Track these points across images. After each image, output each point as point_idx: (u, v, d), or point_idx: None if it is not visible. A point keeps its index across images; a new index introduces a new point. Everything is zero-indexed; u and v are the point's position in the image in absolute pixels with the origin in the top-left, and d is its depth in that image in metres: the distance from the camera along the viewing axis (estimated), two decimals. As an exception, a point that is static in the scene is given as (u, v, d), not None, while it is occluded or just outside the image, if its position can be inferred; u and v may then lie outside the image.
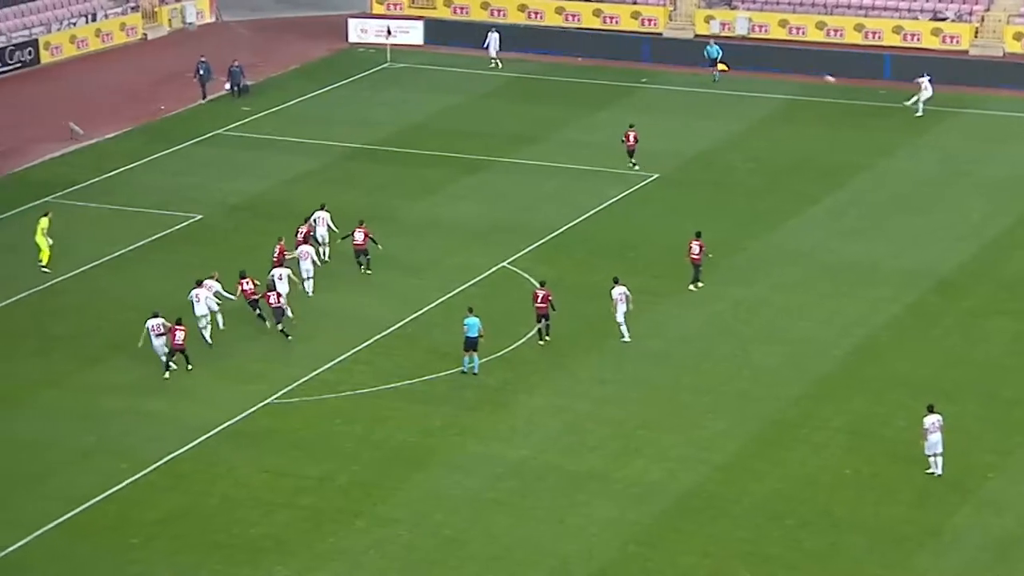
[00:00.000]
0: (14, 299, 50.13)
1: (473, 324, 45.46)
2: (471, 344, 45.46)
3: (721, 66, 73.88)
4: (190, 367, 45.95)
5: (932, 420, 40.47)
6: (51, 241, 51.98)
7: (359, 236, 52.68)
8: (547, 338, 47.98)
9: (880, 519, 38.88)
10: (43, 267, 51.71)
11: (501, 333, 47.84)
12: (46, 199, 58.32)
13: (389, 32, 78.23)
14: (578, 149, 63.82)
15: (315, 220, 53.18)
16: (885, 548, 37.76)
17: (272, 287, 48.33)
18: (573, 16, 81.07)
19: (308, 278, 50.68)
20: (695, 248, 51.67)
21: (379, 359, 46.94)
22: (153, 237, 55.23)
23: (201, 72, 70.03)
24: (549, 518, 39.07)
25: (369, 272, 52.54)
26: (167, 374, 45.44)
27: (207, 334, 47.09)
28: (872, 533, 38.34)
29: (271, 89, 72.65)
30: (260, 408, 44.06)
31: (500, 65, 75.64)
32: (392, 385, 45.34)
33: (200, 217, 57.31)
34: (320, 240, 52.79)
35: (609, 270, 53.09)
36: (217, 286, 47.69)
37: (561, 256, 54.67)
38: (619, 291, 47.96)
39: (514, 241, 55.57)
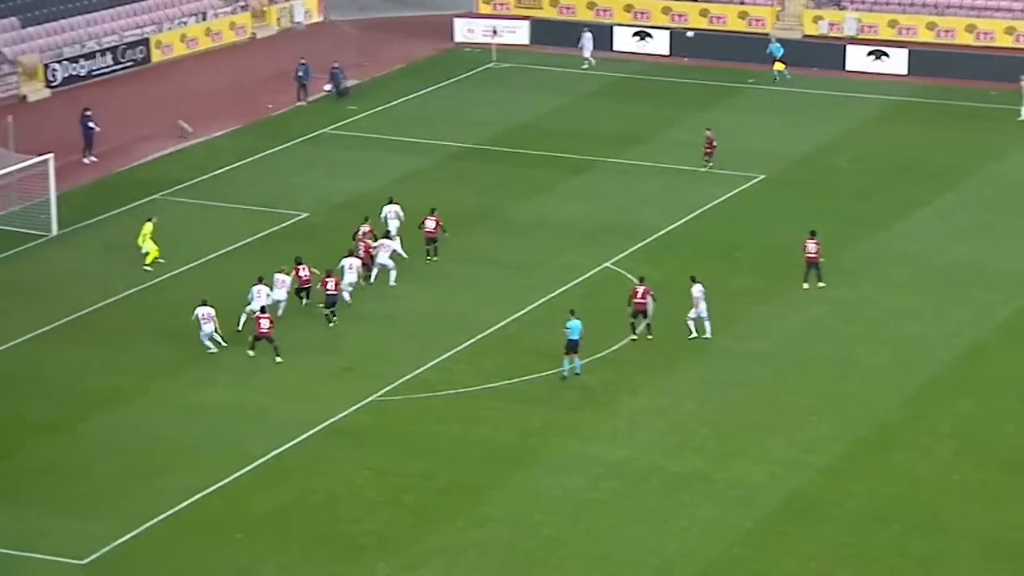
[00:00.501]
0: (123, 295, 50.68)
1: (575, 327, 45.31)
2: (573, 347, 45.30)
3: (778, 64, 73.32)
4: (279, 359, 46.25)
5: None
6: (156, 244, 52.37)
7: (430, 224, 52.79)
8: (649, 337, 47.77)
9: (989, 526, 38.31)
10: (147, 266, 52.22)
11: (603, 334, 47.69)
12: (154, 196, 58.94)
13: (495, 32, 78.35)
14: (683, 149, 63.54)
15: (386, 215, 53.26)
16: (994, 556, 37.20)
17: (329, 274, 48.67)
18: (680, 16, 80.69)
19: (391, 268, 50.83)
20: (811, 247, 51.26)
21: (481, 358, 46.97)
22: (259, 235, 55.63)
23: (300, 74, 70.28)
24: (652, 519, 38.90)
25: (436, 259, 52.60)
26: (252, 352, 46.25)
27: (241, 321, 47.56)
28: (980, 540, 37.80)
29: (377, 88, 72.99)
30: (364, 406, 44.24)
31: (594, 63, 75.50)
32: (493, 385, 45.35)
33: (306, 215, 57.67)
34: (391, 234, 52.72)
35: (714, 270, 52.86)
36: (268, 290, 47.96)
37: (666, 256, 54.44)
38: (698, 289, 47.67)
39: (618, 241, 55.43)
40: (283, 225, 56.47)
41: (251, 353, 46.43)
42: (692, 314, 47.70)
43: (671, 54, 77.58)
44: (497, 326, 49.00)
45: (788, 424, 43.27)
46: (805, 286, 51.11)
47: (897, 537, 38.07)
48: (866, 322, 49.40)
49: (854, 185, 61.25)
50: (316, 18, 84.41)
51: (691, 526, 38.57)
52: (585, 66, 75.79)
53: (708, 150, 61.82)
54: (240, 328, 47.44)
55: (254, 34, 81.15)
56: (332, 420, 43.39)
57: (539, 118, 69.20)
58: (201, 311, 46.31)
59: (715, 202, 59.31)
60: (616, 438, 42.76)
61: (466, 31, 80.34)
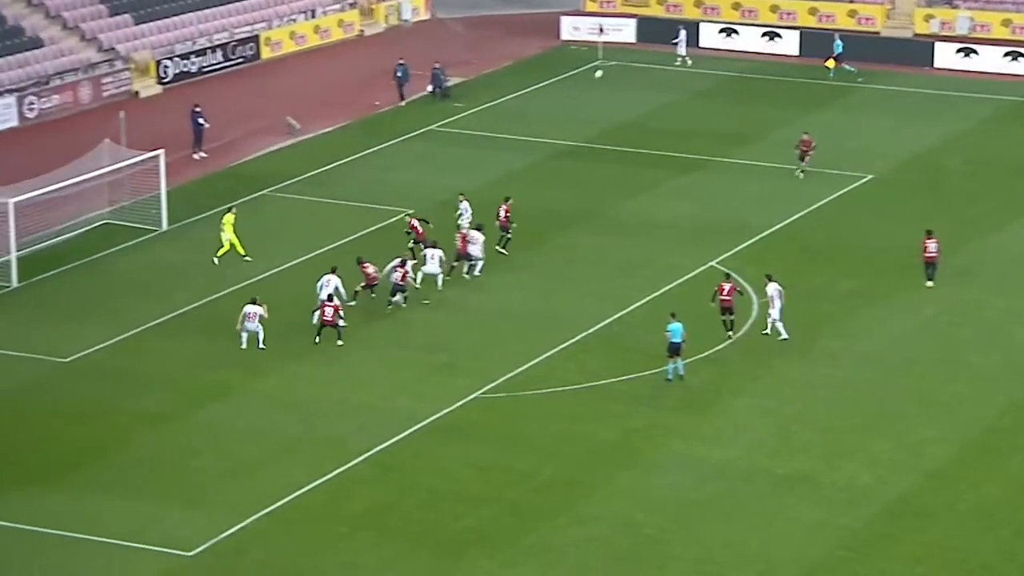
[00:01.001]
0: (230, 290, 51.07)
1: (676, 329, 44.97)
2: (675, 350, 44.98)
3: (830, 62, 72.43)
4: (340, 343, 46.61)
5: None
6: (229, 237, 52.64)
7: (501, 213, 52.86)
8: (730, 333, 47.33)
9: (1099, 533, 37.66)
10: (216, 258, 52.62)
11: (707, 334, 47.39)
12: (262, 192, 59.37)
13: (601, 30, 78.19)
14: (792, 149, 63.00)
15: (462, 210, 53.62)
16: (1104, 563, 36.57)
17: (402, 263, 49.02)
18: (788, 14, 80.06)
19: (479, 260, 51.17)
20: (932, 247, 50.73)
21: (584, 357, 46.86)
22: (365, 231, 55.87)
23: (399, 74, 70.02)
24: (755, 521, 38.59)
25: (505, 253, 52.39)
26: (318, 339, 46.75)
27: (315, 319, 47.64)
28: (1091, 547, 37.17)
29: (483, 86, 73.06)
30: (467, 402, 44.29)
31: (690, 63, 75.12)
32: (596, 383, 45.22)
33: (411, 212, 57.75)
34: (463, 227, 53.06)
35: (820, 272, 52.46)
36: (337, 281, 48.12)
37: (771, 257, 54.01)
38: (773, 287, 47.16)
39: (723, 241, 55.09)
40: (389, 221, 56.66)
41: (316, 340, 46.79)
42: (774, 314, 47.20)
43: (800, 54, 76.76)
44: (600, 325, 48.86)
45: (895, 427, 42.78)
46: (929, 284, 50.58)
47: (1005, 542, 37.50)
48: (976, 324, 48.74)
49: (965, 187, 60.46)
50: (423, 16, 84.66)
51: (795, 528, 38.23)
52: (678, 63, 75.44)
53: (804, 152, 60.51)
54: (315, 321, 47.63)
55: (362, 31, 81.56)
56: (435, 416, 43.47)
57: (645, 116, 68.95)
58: (249, 309, 46.39)
59: (822, 202, 58.78)
60: (720, 439, 42.48)
61: (572, 29, 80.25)
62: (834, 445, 41.88)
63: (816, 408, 43.94)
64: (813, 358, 46.81)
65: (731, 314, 47.45)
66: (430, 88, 70.82)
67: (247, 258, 52.84)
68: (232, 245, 52.77)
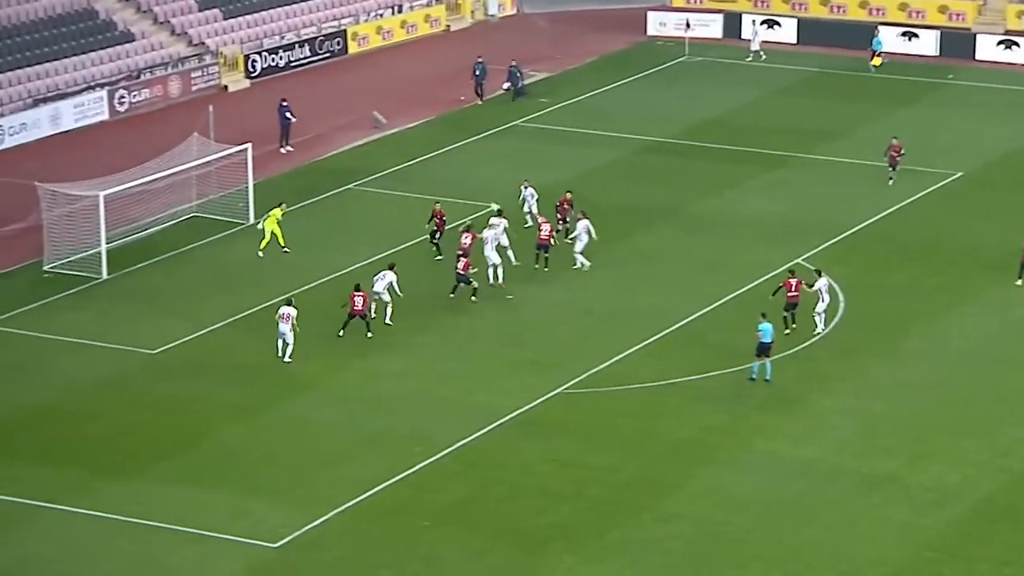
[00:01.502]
0: (314, 284, 51.35)
1: (767, 330, 44.68)
2: (764, 350, 44.69)
3: (876, 59, 71.92)
4: (370, 335, 46.71)
5: None
6: (272, 229, 52.86)
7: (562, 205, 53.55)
8: (793, 326, 47.06)
9: None
10: (260, 252, 52.86)
11: (793, 331, 47.12)
12: (348, 186, 59.64)
13: (688, 25, 77.93)
14: (880, 146, 62.48)
15: (526, 196, 54.37)
16: None
17: (465, 253, 49.35)
18: (878, 10, 79.40)
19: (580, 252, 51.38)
20: None
21: (667, 354, 46.73)
22: (448, 226, 55.93)
23: (477, 72, 69.69)
24: (840, 521, 38.33)
25: (568, 242, 52.52)
26: (342, 333, 46.78)
27: (388, 312, 47.90)
28: None
29: (568, 81, 73.01)
30: (550, 398, 44.29)
31: (764, 56, 74.60)
32: (679, 380, 45.07)
33: (497, 207, 57.77)
34: (528, 211, 54.13)
35: (907, 270, 52.02)
36: (393, 277, 48.16)
37: (856, 255, 53.65)
38: (823, 283, 46.69)
39: (809, 239, 54.75)
40: (473, 216, 56.72)
41: (341, 333, 46.73)
42: (819, 308, 46.77)
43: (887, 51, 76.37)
44: (683, 322, 48.70)
45: (984, 427, 42.35)
46: (1019, 283, 50.09)
47: (1094, 546, 37.06)
48: (1066, 325, 48.18)
49: (1056, 185, 59.77)
50: (510, 11, 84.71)
51: (881, 528, 37.93)
52: (749, 59, 75.02)
53: (895, 159, 59.36)
54: (389, 322, 47.74)
55: (448, 26, 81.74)
56: (518, 412, 43.50)
57: (730, 113, 68.66)
58: (284, 310, 45.80)
59: (910, 200, 58.27)
60: (804, 437, 42.22)
61: (659, 24, 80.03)
62: (921, 445, 41.52)
63: (903, 407, 43.58)
64: (900, 357, 46.43)
65: (795, 309, 47.14)
66: (506, 86, 70.40)
67: (286, 249, 53.00)
68: (273, 235, 52.95)
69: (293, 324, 45.49)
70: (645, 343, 47.32)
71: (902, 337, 47.46)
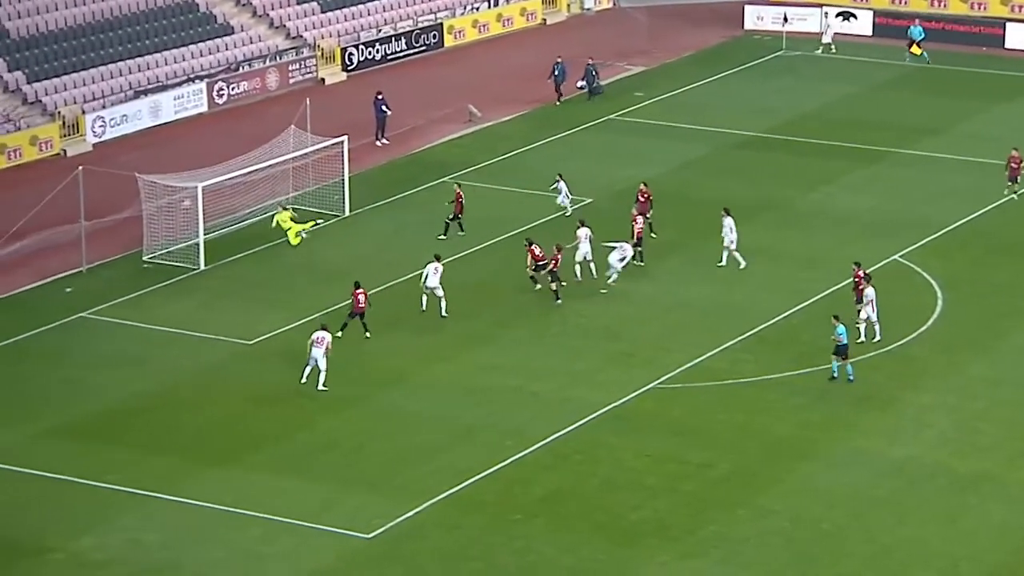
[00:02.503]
0: (406, 277, 51.52)
1: (843, 331, 44.27)
2: (843, 351, 44.31)
3: (915, 49, 71.09)
4: (368, 335, 46.61)
5: None
6: (289, 227, 53.15)
7: (640, 197, 53.35)
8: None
9: None
10: (304, 233, 53.48)
11: (889, 328, 46.79)
12: (442, 179, 59.83)
13: (786, 19, 77.46)
14: (979, 142, 61.91)
15: (560, 188, 55.07)
16: None
17: (560, 250, 49.20)
18: (939, 2, 78.47)
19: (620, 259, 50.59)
20: None
21: (763, 349, 46.53)
22: (542, 219, 56.01)
23: (556, 73, 68.71)
24: (937, 519, 38.02)
25: (655, 236, 52.34)
26: (339, 334, 46.16)
27: (443, 305, 48.06)
28: None
29: (664, 76, 72.82)
30: (644, 392, 44.25)
31: (835, 50, 74.06)
32: (775, 376, 44.86)
33: (590, 201, 57.91)
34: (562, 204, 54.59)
35: (1007, 268, 51.44)
36: (441, 268, 48.39)
37: (956, 252, 53.14)
38: (872, 292, 46.07)
39: (908, 234, 54.31)
40: (568, 210, 56.72)
41: (339, 335, 46.10)
42: (863, 316, 45.99)
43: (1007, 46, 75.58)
44: (779, 317, 48.46)
45: (1083, 427, 41.85)
46: None
47: None
48: None
49: None
50: (606, 4, 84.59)
51: (979, 528, 37.59)
52: (818, 52, 74.38)
53: (1016, 172, 56.99)
54: (444, 314, 47.87)
55: (544, 20, 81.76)
56: (612, 406, 43.50)
57: (827, 107, 68.21)
58: (318, 335, 44.33)
59: (1012, 197, 57.55)
60: (900, 435, 41.91)
61: (756, 18, 79.62)
62: (1019, 443, 41.09)
63: (1001, 406, 43.13)
64: (999, 354, 45.96)
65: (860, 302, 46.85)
66: (580, 84, 69.31)
67: (304, 234, 53.51)
68: (288, 229, 53.16)
69: (327, 349, 43.96)
70: (740, 338, 47.14)
71: (1001, 335, 46.96)
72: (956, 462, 40.45)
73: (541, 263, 49.60)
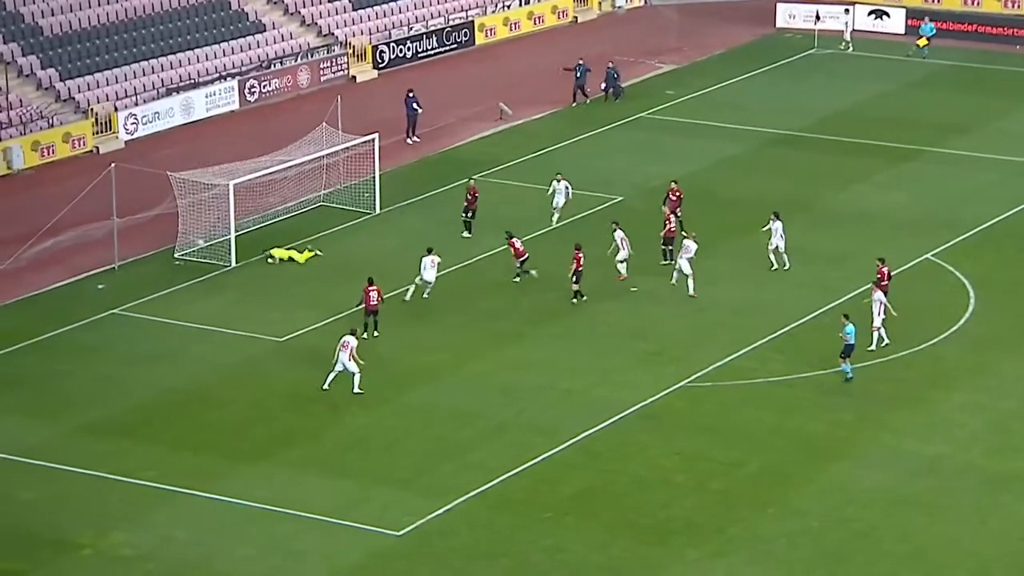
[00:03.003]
0: (438, 274, 51.49)
1: (852, 331, 44.05)
2: (849, 351, 44.01)
3: (922, 41, 71.50)
4: (376, 334, 46.51)
5: None
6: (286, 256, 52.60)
7: (672, 196, 53.37)
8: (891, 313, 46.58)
9: None
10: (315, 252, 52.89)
11: (921, 327, 46.65)
12: (473, 177, 59.81)
13: (818, 17, 77.24)
14: (1013, 141, 61.65)
15: (558, 189, 54.34)
16: None
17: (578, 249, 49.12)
18: (1013, 2, 78.13)
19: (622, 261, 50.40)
20: None
21: (793, 348, 46.41)
22: (574, 217, 55.98)
23: (578, 75, 68.01)
24: (969, 519, 37.87)
25: (684, 234, 51.53)
26: (365, 335, 46.11)
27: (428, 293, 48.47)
28: None
29: (695, 74, 72.68)
30: (674, 391, 44.18)
31: (851, 48, 73.94)
32: (805, 375, 44.73)
33: (620, 199, 57.85)
34: (556, 206, 54.06)
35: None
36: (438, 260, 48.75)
37: (988, 251, 52.92)
38: (880, 295, 45.69)
39: (941, 233, 54.10)
40: (598, 208, 56.71)
41: (364, 335, 45.90)
42: (877, 322, 45.68)
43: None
44: (810, 316, 48.32)
45: (1116, 427, 41.62)
46: None
47: None
48: None
49: None
50: (637, 2, 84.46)
51: (1012, 528, 37.42)
52: (842, 46, 74.18)
53: None
54: (426, 295, 48.33)
55: (575, 18, 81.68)
56: (642, 404, 43.45)
57: (860, 105, 67.99)
58: (343, 339, 43.88)
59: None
60: (932, 434, 41.75)
61: (788, 16, 79.41)
62: (1051, 444, 40.96)
63: (1033, 406, 43.00)
64: (1031, 355, 45.78)
65: (885, 295, 46.57)
66: (602, 87, 68.59)
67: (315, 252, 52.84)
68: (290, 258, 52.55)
69: (352, 354, 43.45)
70: (770, 337, 47.03)
71: (1034, 334, 46.79)
72: (988, 461, 40.28)
73: (523, 258, 49.81)
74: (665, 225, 52.02)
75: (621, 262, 49.79)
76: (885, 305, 45.72)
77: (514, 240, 50.54)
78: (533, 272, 50.21)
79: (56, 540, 37.42)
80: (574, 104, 68.18)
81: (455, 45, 76.24)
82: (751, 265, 52.08)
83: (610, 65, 69.52)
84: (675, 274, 49.70)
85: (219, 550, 37.09)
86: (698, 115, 67.15)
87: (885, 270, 47.06)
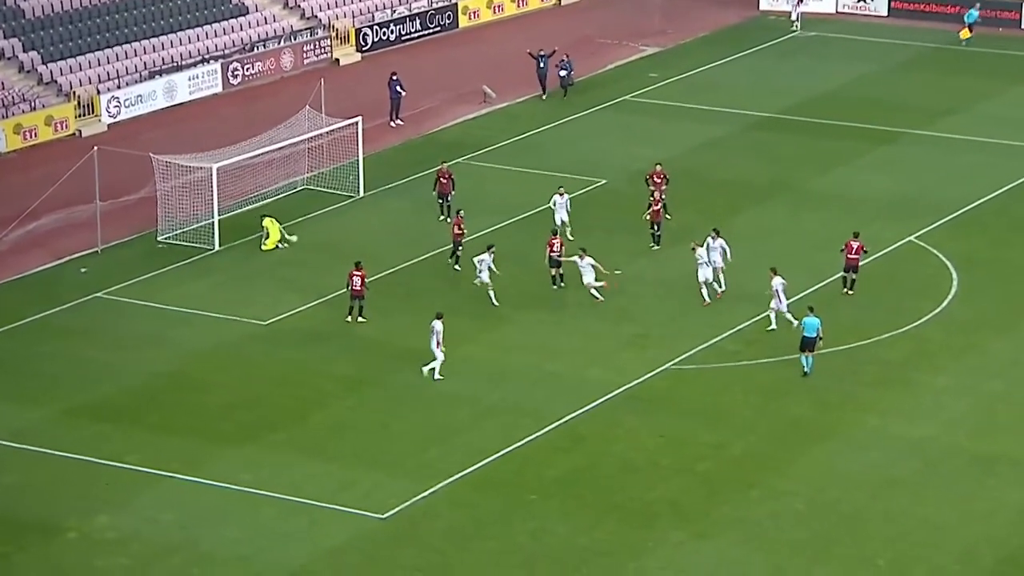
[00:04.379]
0: (424, 257, 51.46)
1: (812, 324, 43.90)
2: (808, 344, 43.78)
3: (964, 31, 71.30)
4: (362, 319, 46.48)
5: None
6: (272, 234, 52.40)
7: (655, 179, 52.99)
8: (849, 291, 47.00)
9: None
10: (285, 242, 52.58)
11: (905, 309, 46.68)
12: (457, 160, 59.73)
13: (800, 0, 77.13)
14: (997, 123, 61.67)
15: (560, 203, 52.43)
16: None
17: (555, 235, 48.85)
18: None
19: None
20: None
21: (779, 330, 46.36)
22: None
23: (541, 65, 66.59)
24: (954, 501, 37.92)
25: (669, 217, 51.85)
26: (352, 318, 46.27)
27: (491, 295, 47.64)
28: None
29: (680, 56, 72.60)
30: (659, 373, 44.16)
31: (798, 30, 74.17)
32: (790, 357, 44.72)
33: (604, 182, 57.79)
34: (561, 221, 52.03)
35: (1024, 248, 51.28)
36: (489, 260, 47.90)
37: (973, 232, 52.95)
38: (778, 281, 45.41)
39: (925, 215, 54.12)
40: (583, 191, 56.63)
41: (348, 320, 46.30)
42: (773, 304, 45.51)
43: None
44: (794, 299, 48.24)
45: (1100, 409, 41.69)
46: None
47: None
48: None
49: None
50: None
51: (997, 510, 37.47)
52: (793, 29, 74.52)
53: None
54: (496, 303, 47.59)
55: (559, 1, 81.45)
56: (627, 386, 43.43)
57: (844, 87, 67.98)
58: (433, 324, 43.86)
59: (1027, 177, 57.45)
60: (917, 416, 41.79)
61: (771, -1, 79.37)
62: (1036, 425, 41.00)
63: (1019, 387, 43.00)
64: (1017, 336, 45.80)
65: (855, 272, 46.63)
66: (562, 74, 66.83)
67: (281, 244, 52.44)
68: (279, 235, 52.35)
69: (438, 341, 43.39)
70: (755, 319, 47.00)
71: (1019, 316, 46.78)
72: (973, 443, 40.32)
73: (459, 241, 49.49)
74: (650, 207, 51.94)
75: (595, 288, 48.75)
76: (778, 291, 45.34)
77: (460, 215, 50.04)
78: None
79: (41, 523, 37.31)
80: (543, 96, 67.04)
81: (438, 28, 76.02)
82: (736, 247, 52.00)
83: (564, 58, 67.70)
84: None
85: (204, 533, 37.02)
86: (682, 98, 67.06)
87: (854, 244, 47.07)
